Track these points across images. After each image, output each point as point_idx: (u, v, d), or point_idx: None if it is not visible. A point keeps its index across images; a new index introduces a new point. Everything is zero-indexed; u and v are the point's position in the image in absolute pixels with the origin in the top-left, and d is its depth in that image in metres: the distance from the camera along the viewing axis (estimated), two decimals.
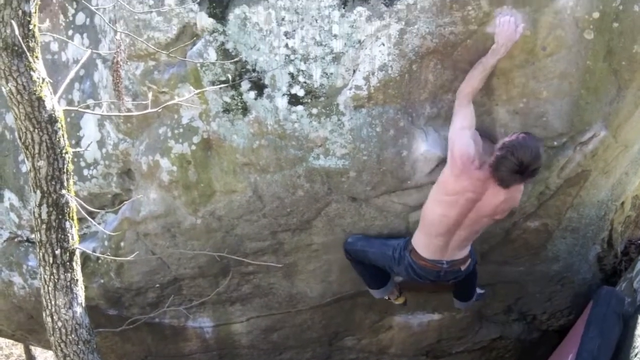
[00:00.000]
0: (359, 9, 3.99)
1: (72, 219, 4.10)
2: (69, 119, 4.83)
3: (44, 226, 4.00)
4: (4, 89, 3.59)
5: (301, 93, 4.21)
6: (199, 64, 4.25)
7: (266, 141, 4.40)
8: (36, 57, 3.58)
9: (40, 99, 3.62)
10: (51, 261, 4.11)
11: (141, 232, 5.11)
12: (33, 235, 5.29)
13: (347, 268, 5.30)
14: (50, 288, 4.20)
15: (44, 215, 3.96)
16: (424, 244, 4.61)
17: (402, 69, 4.10)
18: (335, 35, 4.06)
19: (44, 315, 4.35)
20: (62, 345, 4.38)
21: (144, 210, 4.97)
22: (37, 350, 12.88)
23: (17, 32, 3.39)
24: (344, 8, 4.01)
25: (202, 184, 4.70)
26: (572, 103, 4.30)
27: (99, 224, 5.20)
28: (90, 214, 4.76)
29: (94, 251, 5.26)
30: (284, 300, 5.71)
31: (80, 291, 4.32)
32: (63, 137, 3.84)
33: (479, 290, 5.45)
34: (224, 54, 4.20)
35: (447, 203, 4.33)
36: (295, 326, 6.06)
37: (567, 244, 5.39)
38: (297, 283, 5.52)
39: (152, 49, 4.25)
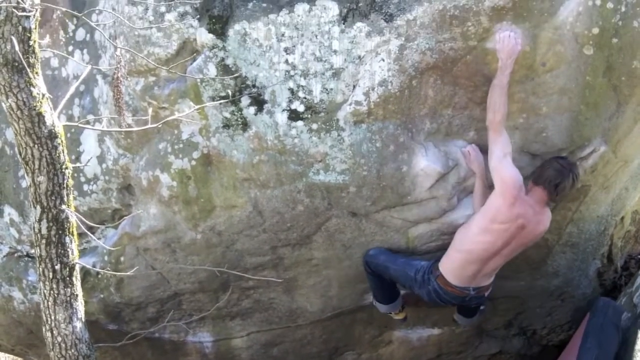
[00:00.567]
0: (359, 24, 4.01)
1: (72, 234, 4.09)
2: (69, 135, 4.84)
3: (43, 241, 3.99)
4: (4, 105, 3.60)
5: (301, 108, 4.22)
6: (199, 80, 4.26)
7: (266, 156, 4.40)
8: (36, 73, 3.59)
9: (40, 115, 3.62)
10: (51, 276, 4.10)
11: (141, 247, 5.11)
12: (33, 250, 5.28)
13: (346, 283, 5.29)
14: (50, 303, 4.19)
15: (44, 231, 3.96)
16: (454, 271, 4.60)
17: (402, 84, 4.11)
18: (335, 51, 4.08)
19: (43, 330, 4.34)
20: None
21: (143, 225, 4.96)
22: None
23: (17, 48, 3.40)
24: (343, 24, 4.02)
25: (202, 199, 4.70)
26: (572, 118, 4.31)
27: (99, 239, 5.19)
28: (90, 229, 4.76)
29: (94, 266, 5.25)
30: (284, 315, 5.69)
31: (80, 306, 4.31)
32: (63, 152, 3.84)
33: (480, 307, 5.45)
34: (224, 69, 4.21)
35: (498, 231, 4.38)
36: (296, 341, 6.03)
37: (567, 258, 5.38)
38: (297, 298, 5.50)
39: (152, 64, 4.26)
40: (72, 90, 4.12)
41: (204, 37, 4.18)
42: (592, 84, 4.18)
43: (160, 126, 4.38)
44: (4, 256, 5.73)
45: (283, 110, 4.24)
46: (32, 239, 4.17)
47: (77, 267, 4.23)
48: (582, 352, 4.82)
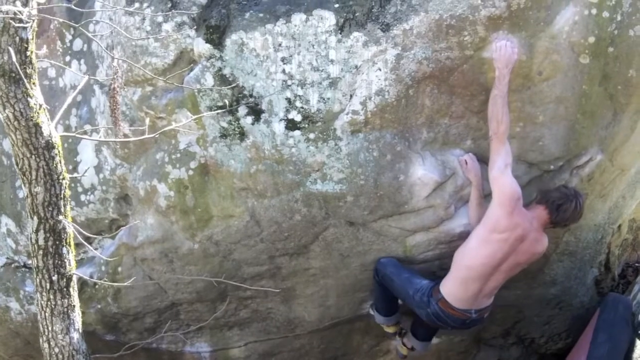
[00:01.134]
0: (356, 34, 4.02)
1: (69, 245, 4.08)
2: (66, 145, 4.84)
3: (40, 252, 3.98)
4: (1, 116, 3.59)
5: (298, 118, 4.23)
6: (196, 90, 4.27)
7: (263, 166, 4.41)
8: (33, 83, 3.58)
9: (37, 126, 3.61)
10: (48, 287, 4.08)
11: (138, 258, 5.10)
12: (30, 261, 5.26)
13: (344, 292, 5.28)
14: (47, 314, 4.17)
15: (41, 241, 3.94)
16: (457, 293, 4.59)
17: (399, 93, 4.12)
18: (332, 61, 4.09)
19: (40, 341, 4.32)
20: None
21: (141, 235, 4.96)
22: None
23: (14, 58, 3.39)
24: (340, 33, 4.04)
25: (200, 209, 4.70)
26: (568, 127, 4.32)
27: (96, 249, 5.18)
28: (88, 239, 4.75)
29: (91, 276, 5.24)
30: (282, 324, 5.68)
31: (77, 317, 4.29)
32: (60, 163, 3.83)
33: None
34: (221, 79, 4.22)
35: (497, 242, 4.39)
36: (294, 351, 6.02)
37: (565, 267, 5.38)
38: (295, 307, 5.49)
39: (149, 75, 4.26)
40: (69, 100, 4.11)
41: (201, 47, 4.19)
42: (589, 92, 4.19)
43: (157, 136, 4.38)
44: (1, 267, 5.72)
45: (280, 119, 4.24)
46: (29, 249, 4.16)
47: (74, 278, 4.22)
48: (593, 346, 4.83)
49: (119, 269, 5.20)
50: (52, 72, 4.98)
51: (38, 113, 3.61)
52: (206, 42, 4.18)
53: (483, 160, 4.42)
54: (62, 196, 3.90)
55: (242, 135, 4.34)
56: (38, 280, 4.09)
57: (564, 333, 6.08)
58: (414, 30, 3.96)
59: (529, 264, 4.68)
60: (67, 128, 4.89)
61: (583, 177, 4.59)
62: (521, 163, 4.47)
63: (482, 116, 4.24)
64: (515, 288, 5.43)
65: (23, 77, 3.48)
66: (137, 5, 4.24)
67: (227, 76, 4.21)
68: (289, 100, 4.19)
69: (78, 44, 4.85)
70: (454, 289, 4.59)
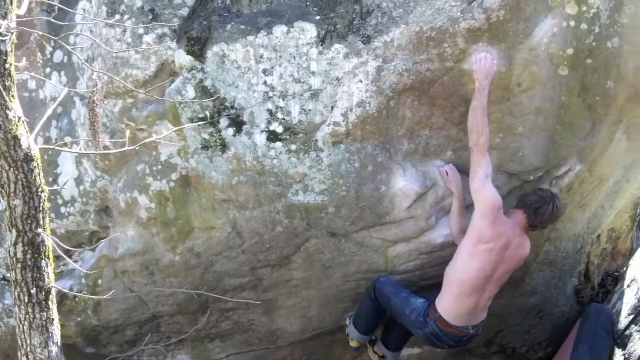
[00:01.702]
0: (337, 46, 4.04)
1: (48, 258, 4.04)
2: (46, 157, 4.81)
3: (19, 265, 3.94)
4: None
5: (280, 130, 4.23)
6: (177, 102, 4.26)
7: (245, 178, 4.40)
8: (12, 96, 3.55)
9: (16, 138, 3.58)
10: (27, 300, 4.04)
11: (119, 270, 5.07)
12: (9, 274, 5.22)
13: (326, 303, 5.28)
14: (25, 327, 4.13)
15: (20, 255, 3.90)
16: (454, 310, 4.59)
17: (380, 105, 4.14)
18: (313, 73, 4.10)
19: (19, 354, 4.27)
20: None
21: (122, 247, 4.93)
22: None
23: None
24: (322, 45, 4.05)
25: (181, 220, 4.68)
26: (548, 138, 4.36)
27: (77, 261, 5.14)
28: (68, 252, 4.71)
29: (71, 289, 5.19)
30: (264, 336, 5.66)
31: (56, 330, 4.26)
32: (39, 175, 3.80)
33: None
34: (203, 91, 4.21)
35: (484, 253, 4.41)
36: None
37: (545, 277, 5.41)
38: (277, 319, 5.48)
39: (129, 87, 4.24)
40: (49, 112, 4.08)
41: (182, 59, 4.19)
42: (568, 104, 4.23)
43: (138, 148, 4.36)
44: None
45: (262, 131, 4.24)
46: (8, 262, 4.13)
47: (54, 291, 4.18)
48: (575, 358, 4.84)
49: (100, 281, 5.16)
50: (32, 84, 4.94)
51: (17, 125, 3.58)
52: (187, 54, 4.18)
53: (464, 171, 4.44)
54: (41, 209, 3.86)
55: (224, 147, 4.34)
56: (17, 293, 4.05)
57: (545, 342, 6.11)
58: (394, 42, 3.98)
59: (515, 270, 4.71)
60: (48, 140, 4.86)
61: (562, 187, 4.63)
62: (501, 174, 4.50)
63: (463, 127, 4.26)
64: (498, 298, 5.41)
65: (2, 89, 3.46)
66: (118, 17, 4.24)
67: (209, 88, 4.21)
68: (270, 112, 4.19)
69: (59, 56, 4.83)
70: (451, 306, 4.58)
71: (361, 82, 4.08)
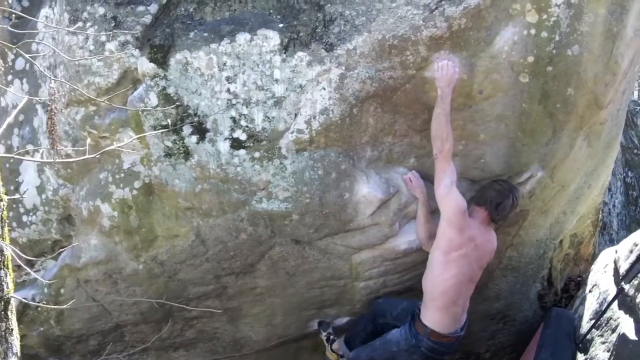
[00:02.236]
0: (300, 54, 4.05)
1: (7, 268, 3.98)
2: (7, 165, 4.76)
3: None
4: None
5: (243, 137, 4.22)
6: (140, 109, 4.24)
7: (209, 185, 4.39)
8: None
9: None
10: None
11: (82, 279, 5.01)
12: None
13: (291, 311, 5.27)
14: None
15: None
16: (443, 321, 4.60)
17: (343, 112, 4.15)
18: (276, 80, 4.10)
19: None
20: None
21: (84, 256, 4.88)
22: None
23: None
24: (285, 53, 4.06)
25: (144, 229, 4.65)
26: (509, 145, 4.41)
27: (39, 270, 5.09)
28: (29, 261, 4.66)
29: (33, 299, 5.13)
30: (229, 344, 5.64)
31: (15, 340, 4.19)
32: None
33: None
34: (166, 98, 4.20)
35: (458, 259, 4.44)
36: None
37: (508, 282, 5.46)
38: (241, 327, 5.46)
39: (88, 96, 4.21)
40: (9, 120, 4.03)
41: (145, 66, 4.17)
42: (529, 111, 4.28)
43: (99, 156, 4.33)
44: None
45: (225, 138, 4.23)
46: None
47: (13, 301, 4.13)
48: None
49: (62, 290, 5.10)
50: None
51: None
52: (150, 62, 4.16)
53: (427, 177, 4.48)
54: None
55: (187, 154, 4.32)
56: None
57: (509, 348, 6.16)
58: (357, 50, 4.01)
59: (490, 261, 4.79)
60: (9, 148, 4.81)
61: (524, 193, 4.68)
62: (464, 180, 4.55)
63: (425, 134, 4.30)
64: None
65: None
66: (80, 24, 4.20)
67: (172, 95, 4.19)
68: (233, 119, 4.19)
69: (20, 63, 4.79)
70: (439, 317, 4.59)
71: (324, 89, 4.10)
